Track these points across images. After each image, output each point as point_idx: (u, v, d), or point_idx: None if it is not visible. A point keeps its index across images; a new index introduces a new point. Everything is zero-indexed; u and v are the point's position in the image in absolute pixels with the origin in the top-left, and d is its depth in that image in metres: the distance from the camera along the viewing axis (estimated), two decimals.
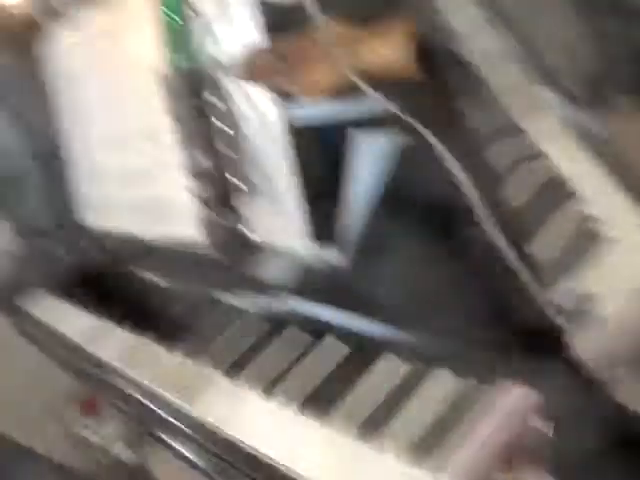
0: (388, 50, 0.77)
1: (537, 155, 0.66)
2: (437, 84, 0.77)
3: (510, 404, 0.69)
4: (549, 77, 0.67)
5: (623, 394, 0.60)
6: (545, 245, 0.64)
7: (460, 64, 0.69)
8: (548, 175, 0.66)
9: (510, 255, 0.63)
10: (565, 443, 0.64)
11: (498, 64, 0.69)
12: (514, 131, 0.68)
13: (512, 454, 0.65)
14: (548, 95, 0.66)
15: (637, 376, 0.61)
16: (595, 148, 0.63)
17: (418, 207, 0.86)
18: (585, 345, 0.62)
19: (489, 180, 0.68)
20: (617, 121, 0.64)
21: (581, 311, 0.63)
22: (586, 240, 0.64)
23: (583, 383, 0.63)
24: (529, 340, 0.69)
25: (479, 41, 0.71)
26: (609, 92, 0.66)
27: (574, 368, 0.61)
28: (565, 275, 0.63)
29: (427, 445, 0.75)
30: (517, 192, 0.65)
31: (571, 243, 0.64)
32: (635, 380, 0.60)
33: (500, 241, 0.63)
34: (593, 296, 0.63)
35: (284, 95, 0.92)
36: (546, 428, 0.65)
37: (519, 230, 0.64)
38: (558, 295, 0.62)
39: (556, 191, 0.66)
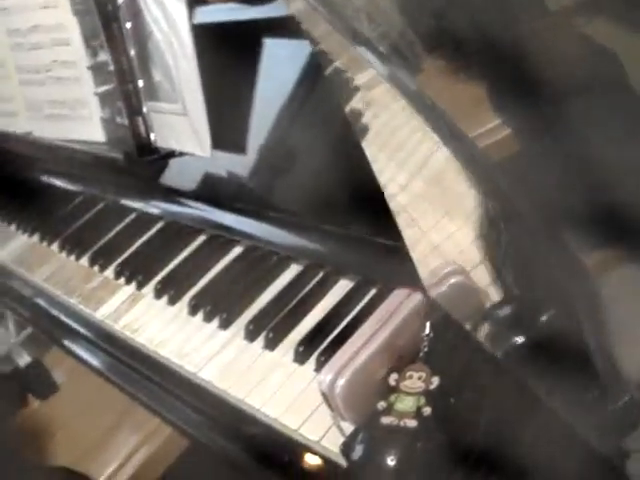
0: None
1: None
2: None
3: (395, 304, 0.71)
4: (359, 37, 0.68)
5: None
6: None
7: None
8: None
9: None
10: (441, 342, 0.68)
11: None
12: None
13: (399, 352, 0.68)
14: (363, 53, 0.66)
15: None
16: (410, 102, 0.64)
17: (327, 114, 0.86)
18: None
19: None
20: (423, 79, 0.66)
21: None
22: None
23: None
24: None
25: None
26: (415, 51, 0.67)
27: None
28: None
29: (314, 343, 0.78)
30: None
31: None
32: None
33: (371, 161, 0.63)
34: None
35: None
36: (428, 327, 0.68)
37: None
38: None
39: None
